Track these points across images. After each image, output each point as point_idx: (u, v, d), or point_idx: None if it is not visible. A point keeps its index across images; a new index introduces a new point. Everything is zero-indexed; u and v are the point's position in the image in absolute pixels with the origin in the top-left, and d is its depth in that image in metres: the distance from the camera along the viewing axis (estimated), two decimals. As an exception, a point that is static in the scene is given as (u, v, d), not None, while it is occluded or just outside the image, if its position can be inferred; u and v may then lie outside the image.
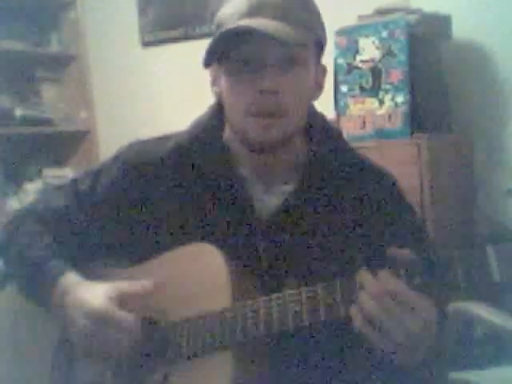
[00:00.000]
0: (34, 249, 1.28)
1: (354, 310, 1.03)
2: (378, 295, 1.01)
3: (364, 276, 1.04)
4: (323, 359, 1.20)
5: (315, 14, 1.20)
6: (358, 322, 1.02)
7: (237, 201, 1.22)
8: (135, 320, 1.16)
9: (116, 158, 1.32)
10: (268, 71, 1.14)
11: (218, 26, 1.20)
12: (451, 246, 2.47)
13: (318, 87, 1.25)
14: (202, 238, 1.19)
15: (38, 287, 1.26)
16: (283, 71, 1.15)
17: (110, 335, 1.16)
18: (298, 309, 1.07)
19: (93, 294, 1.19)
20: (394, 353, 1.03)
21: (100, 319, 1.16)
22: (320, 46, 1.22)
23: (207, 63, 1.19)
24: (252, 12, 1.14)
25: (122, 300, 1.18)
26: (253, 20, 1.13)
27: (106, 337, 1.16)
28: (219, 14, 1.22)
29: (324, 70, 1.26)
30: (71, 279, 1.23)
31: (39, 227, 1.32)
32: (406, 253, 1.03)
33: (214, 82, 1.24)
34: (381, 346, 1.02)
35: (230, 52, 1.16)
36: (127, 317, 1.16)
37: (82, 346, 1.20)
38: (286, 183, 1.23)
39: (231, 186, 1.22)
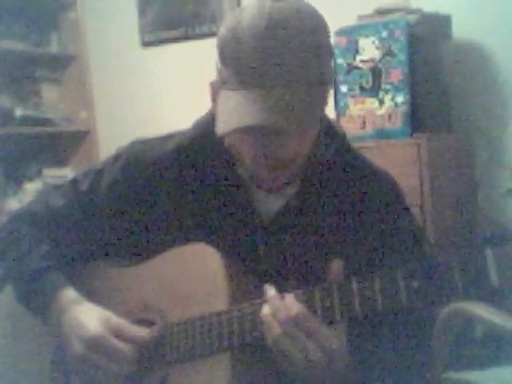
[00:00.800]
0: (33, 258, 1.27)
1: (264, 331, 1.06)
2: (282, 320, 1.04)
3: (272, 300, 1.06)
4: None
5: (327, 55, 1.08)
6: (269, 342, 1.05)
7: (238, 202, 1.21)
8: (131, 351, 1.16)
9: (117, 157, 1.31)
10: (286, 140, 1.06)
11: (222, 54, 1.08)
12: (451, 246, 2.47)
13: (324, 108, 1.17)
14: (203, 239, 1.19)
15: (36, 301, 1.25)
16: (299, 134, 1.07)
17: (104, 363, 1.16)
18: None
19: (90, 316, 1.19)
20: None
21: (95, 346, 1.17)
22: (330, 78, 1.11)
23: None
24: (263, 77, 1.02)
25: (119, 330, 1.18)
26: (264, 100, 1.01)
27: (100, 364, 1.16)
28: (225, 40, 1.07)
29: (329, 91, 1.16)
30: (69, 296, 1.23)
31: (38, 231, 1.32)
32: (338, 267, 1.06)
33: (215, 99, 1.16)
34: (285, 367, 1.05)
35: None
36: (123, 347, 1.16)
37: (76, 367, 1.20)
38: (288, 185, 1.22)
39: (232, 187, 1.21)
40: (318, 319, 1.04)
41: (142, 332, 1.18)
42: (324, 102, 1.10)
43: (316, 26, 1.06)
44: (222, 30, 1.09)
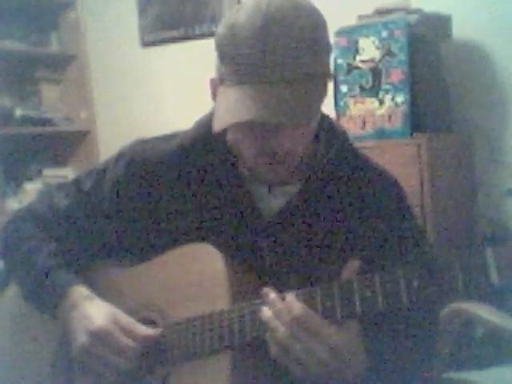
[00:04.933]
0: (40, 256, 1.27)
1: (268, 337, 1.05)
2: (286, 322, 1.03)
3: (272, 300, 1.06)
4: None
5: (324, 51, 1.10)
6: (273, 351, 1.04)
7: (240, 201, 1.21)
8: (136, 348, 1.17)
9: (119, 156, 1.31)
10: (282, 135, 1.09)
11: (226, 51, 1.09)
12: (451, 245, 2.47)
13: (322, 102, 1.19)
14: (205, 238, 1.19)
15: (45, 298, 1.26)
16: (295, 129, 1.10)
17: (107, 356, 1.16)
18: None
19: (99, 311, 1.20)
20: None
21: (100, 338, 1.17)
22: (327, 73, 1.14)
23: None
24: (264, 71, 1.04)
25: (126, 327, 1.18)
26: (261, 89, 1.04)
27: (103, 356, 1.17)
28: (229, 36, 1.08)
29: (328, 85, 1.17)
30: (81, 292, 1.24)
31: (42, 230, 1.32)
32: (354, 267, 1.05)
33: (215, 96, 1.17)
34: (296, 373, 1.04)
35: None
36: (127, 342, 1.17)
37: (80, 361, 1.20)
38: (289, 184, 1.23)
39: (234, 186, 1.22)
40: (321, 318, 1.03)
41: (147, 330, 1.18)
42: (321, 98, 1.12)
43: (313, 22, 1.07)
44: (220, 27, 1.11)
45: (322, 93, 1.12)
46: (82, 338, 1.18)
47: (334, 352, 1.02)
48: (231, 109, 1.06)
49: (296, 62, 1.05)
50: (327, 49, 1.11)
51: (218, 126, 1.08)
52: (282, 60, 1.04)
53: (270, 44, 1.04)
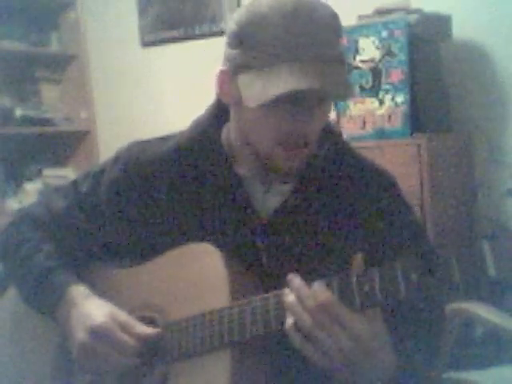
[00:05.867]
0: (38, 258, 1.28)
1: (289, 324, 1.03)
2: (311, 308, 1.01)
3: (298, 286, 1.04)
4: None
5: (340, 35, 1.16)
6: (295, 339, 1.03)
7: (236, 200, 1.22)
8: (136, 345, 1.17)
9: (116, 159, 1.32)
10: (312, 113, 1.12)
11: (260, 52, 1.10)
12: (451, 245, 2.47)
13: None
14: (202, 238, 1.19)
15: (44, 299, 1.26)
16: (315, 108, 1.13)
17: (107, 353, 1.16)
18: None
19: (98, 309, 1.20)
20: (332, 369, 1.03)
21: (100, 336, 1.17)
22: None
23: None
24: (296, 51, 1.07)
25: (125, 326, 1.18)
26: (304, 69, 1.07)
27: (103, 353, 1.17)
28: (258, 37, 1.09)
29: None
30: (80, 291, 1.24)
31: (41, 232, 1.32)
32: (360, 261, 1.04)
33: (223, 90, 1.18)
34: (318, 362, 1.02)
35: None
36: (127, 339, 1.17)
37: (79, 359, 1.20)
38: (285, 182, 1.23)
39: (231, 186, 1.22)
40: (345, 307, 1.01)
41: (146, 329, 1.18)
42: (347, 82, 1.15)
43: (331, 10, 1.13)
44: (241, 16, 1.12)
45: (347, 77, 1.16)
46: (81, 336, 1.18)
47: (360, 341, 1.00)
48: (278, 82, 1.07)
49: (326, 44, 1.09)
50: (342, 39, 1.17)
51: (266, 96, 1.08)
52: (313, 41, 1.08)
53: (302, 26, 1.07)
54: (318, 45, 1.08)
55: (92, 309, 1.20)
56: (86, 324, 1.18)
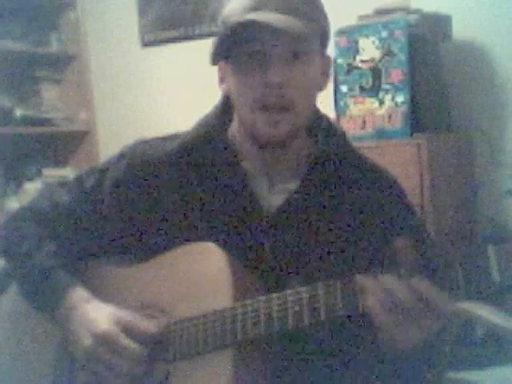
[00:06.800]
0: (39, 256, 1.27)
1: (376, 309, 1.02)
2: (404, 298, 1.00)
3: (389, 281, 1.02)
4: (323, 359, 1.20)
5: (319, 6, 1.20)
6: (383, 322, 1.02)
7: (242, 198, 1.22)
8: (140, 350, 1.17)
9: (121, 156, 1.32)
10: (273, 65, 1.15)
11: (223, 23, 1.19)
12: (451, 246, 2.47)
13: (324, 78, 1.25)
14: (207, 236, 1.19)
15: (44, 299, 1.26)
16: (288, 64, 1.15)
17: (112, 360, 1.16)
18: (298, 308, 1.07)
19: (100, 314, 1.20)
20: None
21: (105, 342, 1.17)
22: (324, 38, 1.22)
23: (215, 61, 1.19)
24: (257, 6, 1.14)
25: (129, 327, 1.18)
26: (258, 13, 1.14)
27: (108, 360, 1.17)
28: (224, 10, 1.21)
29: (329, 61, 1.26)
30: (79, 294, 1.24)
31: (42, 228, 1.32)
32: (405, 244, 1.02)
33: (222, 80, 1.24)
34: (401, 345, 1.04)
35: (236, 47, 1.17)
36: (132, 345, 1.16)
37: (83, 362, 1.20)
38: (289, 181, 1.23)
39: (236, 183, 1.22)
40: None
41: (150, 326, 1.18)
42: (314, 38, 1.18)
43: None
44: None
45: (318, 35, 1.19)
46: (85, 342, 1.18)
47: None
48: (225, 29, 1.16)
49: (294, 5, 1.14)
50: (323, 10, 1.21)
51: (217, 39, 1.16)
52: (278, 1, 1.14)
53: None
54: (281, 1, 1.14)
55: (95, 313, 1.20)
56: (90, 330, 1.18)
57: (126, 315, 1.20)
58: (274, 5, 1.14)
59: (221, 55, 1.19)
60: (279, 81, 1.14)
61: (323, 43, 1.22)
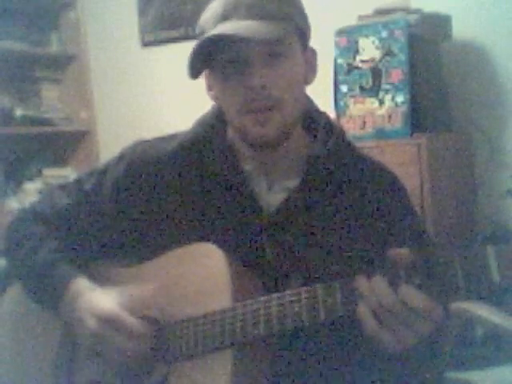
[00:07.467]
0: (42, 252, 1.28)
1: (364, 312, 1.02)
2: (390, 303, 1.00)
3: (378, 284, 1.02)
4: (323, 359, 1.20)
5: (291, 2, 1.19)
6: (368, 325, 1.02)
7: (241, 198, 1.22)
8: (145, 328, 1.17)
9: (121, 157, 1.32)
10: (252, 68, 1.15)
11: (200, 34, 1.20)
12: (451, 245, 2.47)
13: (311, 71, 1.25)
14: (206, 236, 1.20)
15: (48, 291, 1.26)
16: (267, 65, 1.15)
17: (118, 339, 1.16)
18: (297, 309, 1.07)
19: (104, 298, 1.20)
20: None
21: (110, 322, 1.17)
22: (303, 33, 1.21)
23: (193, 75, 1.21)
24: (226, 14, 1.15)
25: (133, 307, 1.18)
26: (227, 24, 1.14)
27: (113, 340, 1.17)
28: (200, 21, 1.22)
29: (314, 53, 1.25)
30: (82, 284, 1.25)
31: (44, 228, 1.33)
32: (405, 253, 1.02)
33: (210, 88, 1.25)
34: (391, 349, 1.03)
35: (215, 57, 1.18)
36: (137, 324, 1.17)
37: (87, 346, 1.21)
38: (289, 180, 1.23)
39: (236, 183, 1.22)
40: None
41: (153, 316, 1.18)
42: (290, 36, 1.18)
43: None
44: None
45: (301, 34, 1.20)
46: (90, 324, 1.18)
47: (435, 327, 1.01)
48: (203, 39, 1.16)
49: (264, 7, 1.14)
50: (296, 5, 1.20)
51: (190, 55, 1.18)
52: (248, 6, 1.14)
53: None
54: (251, 6, 1.14)
55: (99, 298, 1.21)
56: (94, 312, 1.19)
57: (130, 298, 1.20)
58: (244, 11, 1.14)
59: (196, 69, 1.21)
60: (261, 83, 1.15)
61: (303, 38, 1.21)
